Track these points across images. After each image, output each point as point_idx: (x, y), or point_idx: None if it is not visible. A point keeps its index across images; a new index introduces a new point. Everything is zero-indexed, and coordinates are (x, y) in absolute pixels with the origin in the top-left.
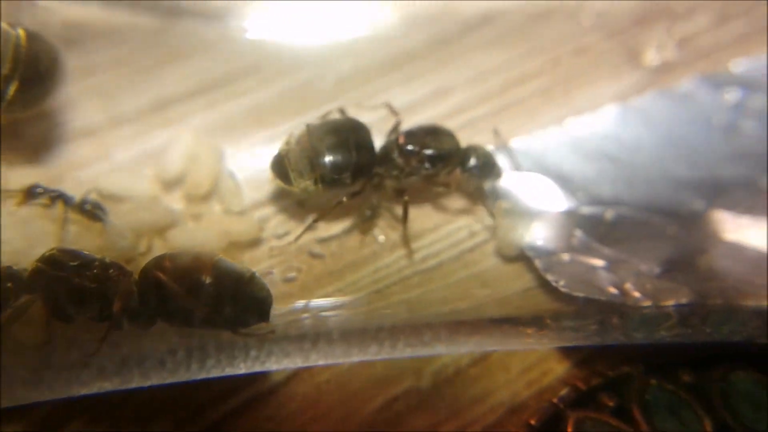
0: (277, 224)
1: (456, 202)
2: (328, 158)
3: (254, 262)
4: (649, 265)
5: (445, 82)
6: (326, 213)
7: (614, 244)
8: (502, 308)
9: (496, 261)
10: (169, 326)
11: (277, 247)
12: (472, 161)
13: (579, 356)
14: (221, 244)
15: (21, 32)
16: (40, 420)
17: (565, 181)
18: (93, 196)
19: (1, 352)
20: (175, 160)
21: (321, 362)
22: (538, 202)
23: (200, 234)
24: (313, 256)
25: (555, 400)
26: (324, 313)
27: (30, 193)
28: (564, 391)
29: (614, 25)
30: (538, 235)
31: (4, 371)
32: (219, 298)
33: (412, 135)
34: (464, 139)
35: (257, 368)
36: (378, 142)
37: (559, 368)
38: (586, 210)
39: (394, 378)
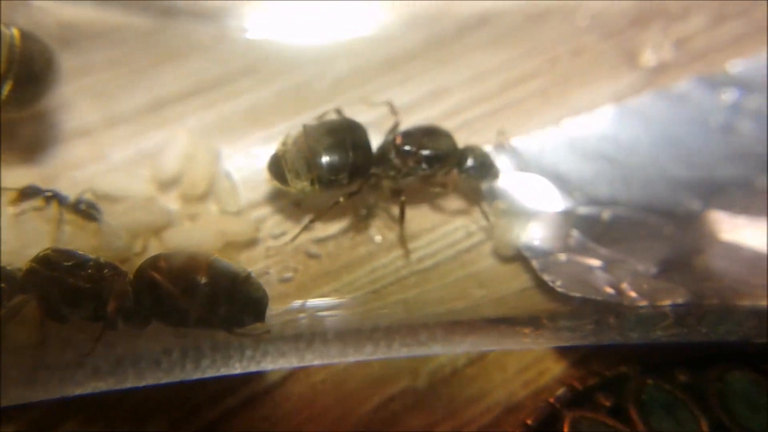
0: (274, 224)
1: (453, 202)
2: (324, 159)
3: (251, 263)
4: (645, 265)
5: (443, 83)
6: (323, 213)
7: (611, 244)
8: (499, 308)
9: (493, 261)
10: (165, 326)
11: (273, 248)
12: (470, 162)
13: (576, 356)
14: (217, 245)
15: (15, 32)
16: (35, 420)
17: (562, 182)
18: (88, 196)
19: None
20: (172, 161)
21: (317, 362)
22: (535, 202)
23: (196, 234)
24: (310, 256)
25: (551, 400)
26: (320, 314)
27: (25, 194)
28: (560, 391)
29: (611, 26)
30: (535, 235)
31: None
32: (214, 298)
33: (409, 135)
34: (462, 140)
35: (253, 368)
36: (377, 141)
37: (556, 368)
38: (583, 210)
39: (391, 378)
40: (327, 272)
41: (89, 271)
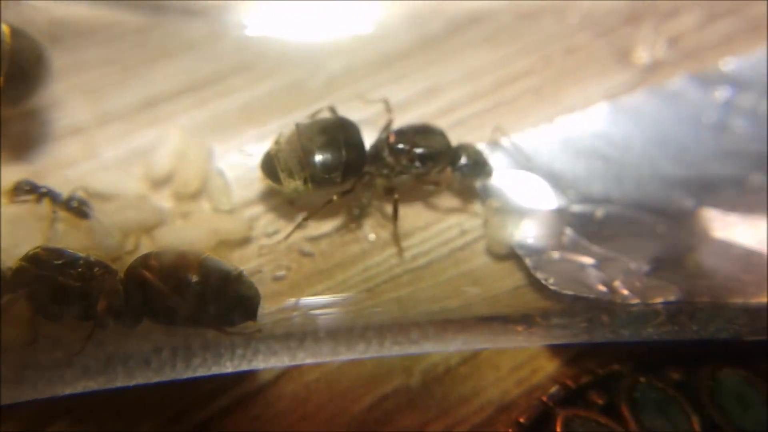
0: (267, 223)
1: (446, 200)
2: (317, 158)
3: (243, 261)
4: (638, 263)
5: (437, 81)
6: (316, 211)
7: (604, 242)
8: (492, 306)
9: (486, 259)
10: (156, 325)
11: (266, 246)
12: (463, 160)
13: (569, 354)
14: (210, 243)
15: (5, 29)
16: (24, 420)
17: (555, 180)
18: (80, 194)
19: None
20: (164, 159)
21: (309, 361)
22: (528, 200)
23: (189, 232)
24: (303, 254)
25: (544, 399)
26: (313, 312)
27: (19, 189)
28: (553, 389)
29: (604, 24)
30: (528, 233)
31: None
32: (205, 296)
33: (402, 134)
34: (456, 138)
35: (244, 367)
36: (371, 139)
37: (549, 366)
38: (577, 208)
39: (384, 377)
40: (320, 270)
41: (79, 269)
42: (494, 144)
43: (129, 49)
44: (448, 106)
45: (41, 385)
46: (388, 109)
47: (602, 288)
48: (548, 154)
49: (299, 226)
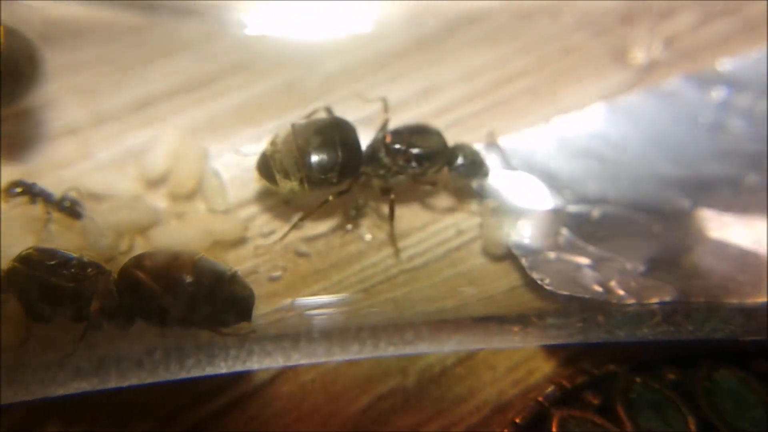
0: (263, 223)
1: (443, 200)
2: (313, 158)
3: (239, 261)
4: (634, 264)
5: (433, 81)
6: (312, 212)
7: (600, 243)
8: (488, 307)
9: (482, 259)
10: (149, 326)
11: (262, 246)
12: (460, 160)
13: (565, 355)
14: (205, 243)
15: None
16: (18, 420)
17: (551, 180)
18: (73, 194)
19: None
20: (159, 159)
21: (303, 362)
22: (525, 200)
23: (184, 233)
24: (299, 254)
25: (540, 399)
26: (309, 312)
27: (10, 192)
28: (549, 390)
29: (600, 25)
30: (524, 233)
31: None
32: (199, 297)
33: (398, 134)
34: (452, 138)
35: (238, 368)
36: (368, 138)
37: (546, 367)
38: (573, 208)
39: (380, 377)
40: (316, 271)
41: (72, 270)
42: (487, 147)
43: (124, 48)
44: (445, 106)
45: (33, 386)
46: (385, 108)
47: (598, 288)
48: (545, 155)
49: (295, 227)
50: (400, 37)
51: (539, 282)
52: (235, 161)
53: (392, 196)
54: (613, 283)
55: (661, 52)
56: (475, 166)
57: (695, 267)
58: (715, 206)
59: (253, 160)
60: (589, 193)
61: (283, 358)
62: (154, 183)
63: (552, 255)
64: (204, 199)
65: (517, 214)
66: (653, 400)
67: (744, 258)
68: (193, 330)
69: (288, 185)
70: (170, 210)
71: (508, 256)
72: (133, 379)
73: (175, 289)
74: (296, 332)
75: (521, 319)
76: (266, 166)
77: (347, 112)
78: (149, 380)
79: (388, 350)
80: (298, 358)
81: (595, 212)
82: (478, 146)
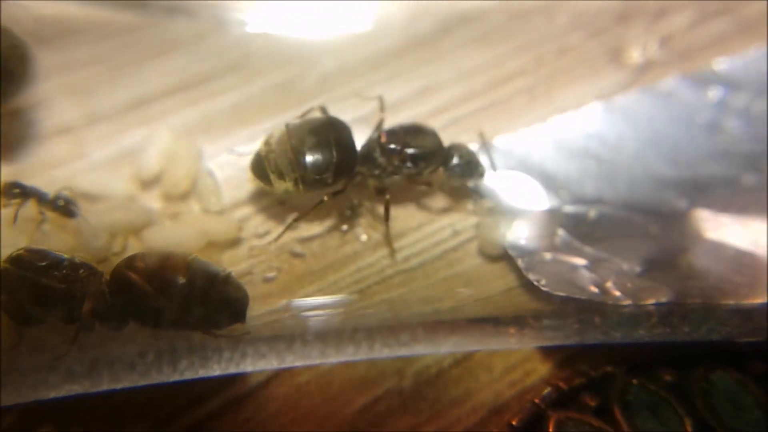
0: (257, 223)
1: (439, 201)
2: (308, 158)
3: (234, 262)
4: (630, 264)
5: (430, 81)
6: (307, 212)
7: (596, 243)
8: (485, 308)
9: (479, 260)
10: (142, 327)
11: (257, 247)
12: (455, 160)
13: (562, 356)
14: (200, 244)
15: None
16: (10, 424)
17: (548, 180)
18: (66, 193)
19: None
20: (153, 159)
21: (297, 364)
22: (521, 200)
23: (178, 233)
24: (294, 255)
25: (537, 401)
26: (305, 314)
27: (6, 194)
28: (546, 391)
29: (596, 24)
30: (520, 234)
31: None
32: (192, 298)
33: (394, 134)
34: (448, 138)
35: (232, 370)
36: (363, 137)
37: (542, 368)
38: (569, 209)
39: (376, 379)
40: (312, 272)
41: (64, 271)
42: (483, 147)
43: (118, 48)
44: (441, 105)
45: (25, 389)
46: (381, 108)
47: (594, 289)
48: (541, 155)
49: (290, 227)
50: (396, 37)
51: (535, 283)
52: (230, 161)
53: (387, 197)
54: (609, 284)
55: (657, 51)
56: (471, 167)
57: (692, 268)
58: (712, 207)
59: (247, 160)
60: (586, 194)
61: (277, 360)
62: (148, 183)
63: (548, 256)
64: (198, 199)
65: (513, 214)
66: (650, 402)
67: (741, 259)
68: (186, 332)
69: (282, 186)
70: (164, 210)
71: (504, 256)
72: (126, 382)
73: (167, 290)
74: (291, 334)
75: (518, 321)
76: (260, 167)
77: (343, 112)
78: (142, 383)
79: (383, 352)
80: (293, 360)
81: (592, 213)
82: (474, 146)
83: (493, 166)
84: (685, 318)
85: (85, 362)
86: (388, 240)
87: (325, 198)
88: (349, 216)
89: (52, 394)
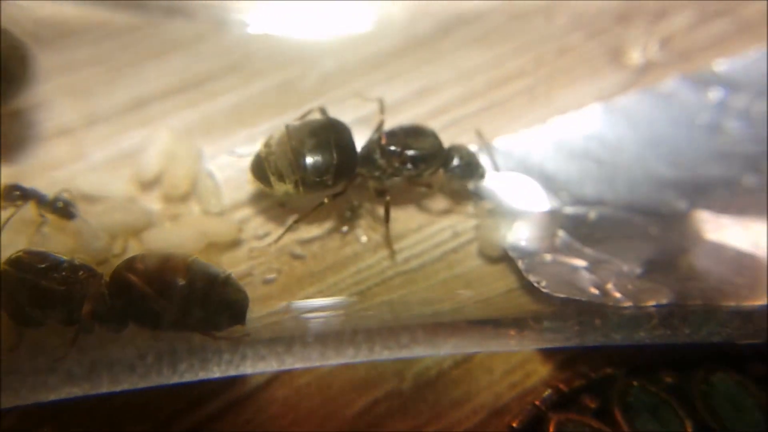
0: (258, 225)
1: (439, 202)
2: (308, 160)
3: (233, 264)
4: (630, 266)
5: (429, 81)
6: (307, 214)
7: (596, 245)
8: (485, 309)
9: (479, 262)
10: (141, 329)
11: (257, 248)
12: (455, 161)
13: (562, 358)
14: (199, 246)
15: None
16: (11, 425)
17: (548, 181)
18: (65, 195)
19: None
20: (153, 160)
21: (298, 366)
22: (521, 202)
23: (178, 235)
24: (294, 257)
25: (537, 403)
26: (305, 316)
27: (7, 196)
28: (546, 393)
29: (596, 25)
30: (521, 235)
31: None
32: (192, 300)
33: (393, 135)
34: (448, 139)
35: (232, 372)
36: (364, 138)
37: (543, 370)
38: (569, 210)
39: (376, 380)
40: (312, 273)
41: (63, 273)
42: (482, 147)
43: (117, 49)
44: (441, 106)
45: (24, 391)
46: (381, 109)
47: (594, 291)
48: (541, 156)
49: (290, 229)
50: (395, 38)
51: (536, 284)
52: (230, 162)
53: (387, 198)
54: (609, 286)
55: (657, 52)
56: (471, 168)
57: (692, 269)
58: (712, 208)
59: (247, 162)
60: (586, 195)
61: (276, 363)
62: (148, 184)
63: (548, 257)
64: (198, 200)
65: (513, 215)
66: (650, 404)
67: (741, 260)
68: (186, 333)
69: (282, 187)
70: (164, 212)
71: (504, 258)
72: (126, 384)
73: (167, 292)
74: (290, 336)
75: (518, 323)
76: (260, 168)
77: (343, 113)
78: (141, 385)
79: (383, 354)
80: (292, 362)
81: (592, 214)
82: (474, 148)
83: (495, 166)
84: (686, 320)
85: (85, 364)
86: (388, 241)
87: (326, 200)
88: (349, 217)
89: (52, 397)
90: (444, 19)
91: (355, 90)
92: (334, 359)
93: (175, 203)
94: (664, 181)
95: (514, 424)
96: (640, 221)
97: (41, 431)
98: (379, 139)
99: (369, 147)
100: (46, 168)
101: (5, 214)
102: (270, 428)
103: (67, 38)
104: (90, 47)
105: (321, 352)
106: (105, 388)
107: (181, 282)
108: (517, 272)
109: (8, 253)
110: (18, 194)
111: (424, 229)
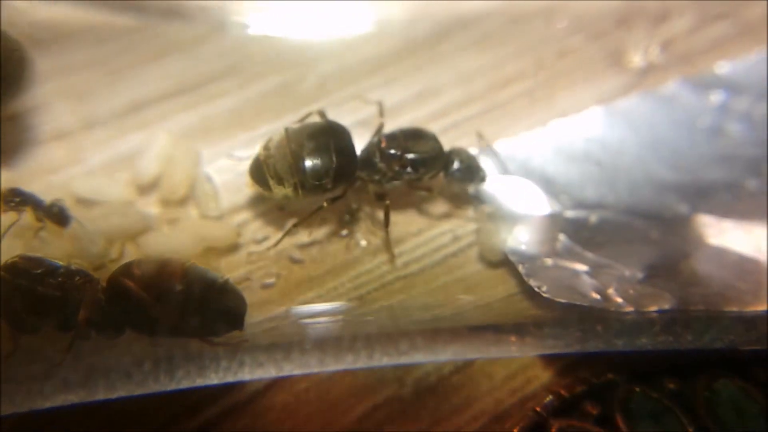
0: (256, 229)
1: (439, 206)
2: (307, 164)
3: (232, 268)
4: (632, 270)
5: (429, 84)
6: (306, 218)
7: (597, 249)
8: (485, 315)
9: (479, 266)
10: (138, 335)
11: (255, 253)
12: (456, 165)
13: (563, 363)
14: (197, 250)
15: None
16: (9, 428)
17: (549, 185)
18: (62, 201)
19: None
20: (151, 164)
21: (296, 372)
22: (521, 205)
23: (175, 239)
24: (293, 261)
25: (538, 409)
26: (303, 321)
27: (9, 202)
28: (547, 399)
29: (597, 28)
30: (521, 239)
31: None
32: (189, 305)
33: (393, 138)
34: (448, 142)
35: (229, 379)
36: (364, 140)
37: (544, 376)
38: (570, 214)
39: (375, 386)
40: (311, 278)
41: (59, 278)
42: (482, 150)
43: (115, 51)
44: (441, 109)
45: (19, 398)
46: (381, 112)
47: (596, 296)
48: (541, 159)
49: (289, 233)
50: (395, 40)
51: (536, 289)
52: (229, 166)
53: (387, 202)
54: (611, 291)
55: (658, 55)
56: (472, 171)
57: (694, 274)
58: (714, 212)
59: (246, 165)
60: (587, 199)
61: (275, 369)
62: (146, 188)
63: (549, 261)
64: (196, 204)
65: (513, 219)
66: (652, 410)
67: (744, 265)
68: (183, 340)
69: (281, 191)
70: (162, 216)
71: (504, 262)
72: (122, 391)
73: (164, 297)
74: (289, 342)
75: (518, 329)
76: (259, 172)
77: (342, 116)
78: (138, 392)
79: (382, 361)
80: (291, 369)
81: (593, 218)
82: (474, 151)
83: (503, 169)
84: (688, 326)
85: (81, 371)
86: (387, 246)
87: (325, 203)
88: (348, 221)
89: (48, 404)
90: (444, 22)
91: (354, 93)
92: (332, 366)
93: (173, 207)
94: (666, 184)
95: (515, 431)
96: (641, 225)
97: None
98: (379, 142)
99: (369, 150)
100: (44, 171)
101: (4, 217)
102: None
103: (64, 41)
104: (88, 50)
105: (319, 359)
106: (101, 395)
107: (178, 287)
108: (518, 277)
109: (6, 258)
110: (18, 199)
111: (424, 233)
